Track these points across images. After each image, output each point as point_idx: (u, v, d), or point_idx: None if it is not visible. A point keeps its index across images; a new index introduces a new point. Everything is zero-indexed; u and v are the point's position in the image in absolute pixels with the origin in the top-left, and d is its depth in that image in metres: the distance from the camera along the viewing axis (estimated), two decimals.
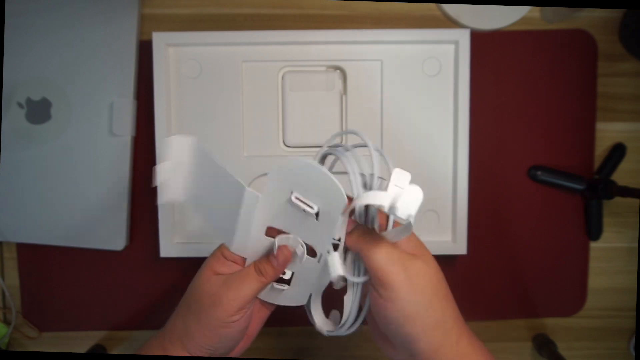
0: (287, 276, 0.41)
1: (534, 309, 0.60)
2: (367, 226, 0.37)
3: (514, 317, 0.60)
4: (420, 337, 0.35)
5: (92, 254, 0.58)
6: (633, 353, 0.60)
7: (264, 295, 0.42)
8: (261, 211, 0.38)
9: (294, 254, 0.39)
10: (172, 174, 0.38)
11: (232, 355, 0.41)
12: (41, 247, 0.58)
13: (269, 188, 0.38)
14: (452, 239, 0.55)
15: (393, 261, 0.34)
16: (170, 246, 0.54)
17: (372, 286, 0.36)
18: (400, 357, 0.38)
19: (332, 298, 0.42)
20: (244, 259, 0.40)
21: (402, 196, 0.33)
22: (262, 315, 0.43)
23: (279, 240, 0.39)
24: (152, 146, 0.54)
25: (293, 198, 0.37)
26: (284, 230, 0.39)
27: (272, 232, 0.39)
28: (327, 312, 0.43)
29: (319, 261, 0.39)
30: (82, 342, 0.60)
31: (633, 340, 0.60)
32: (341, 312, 0.40)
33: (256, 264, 0.39)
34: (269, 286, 0.41)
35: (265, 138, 0.55)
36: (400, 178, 0.34)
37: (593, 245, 0.60)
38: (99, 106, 0.55)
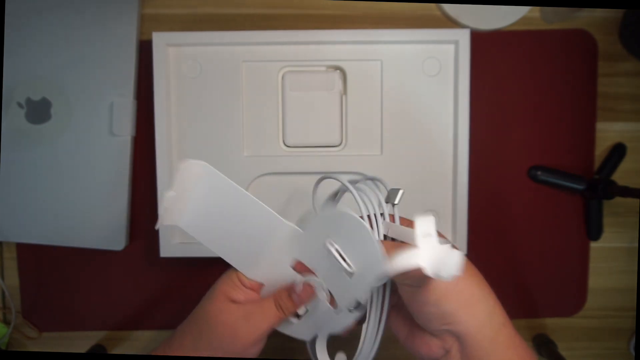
0: (301, 312, 0.41)
1: (534, 309, 0.60)
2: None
3: (514, 317, 0.60)
4: (461, 311, 0.34)
5: (92, 254, 0.58)
6: (633, 353, 0.60)
7: None
8: (297, 246, 0.38)
9: (315, 297, 0.39)
10: (179, 202, 0.37)
11: None
12: (41, 247, 0.58)
13: (311, 227, 0.37)
14: (452, 239, 0.55)
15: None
16: (170, 246, 0.54)
17: (402, 284, 0.35)
18: (434, 352, 0.36)
19: (338, 339, 0.42)
20: (260, 285, 0.39)
21: (440, 255, 0.31)
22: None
23: (306, 279, 0.38)
24: (152, 146, 0.54)
25: (333, 250, 0.36)
26: (311, 269, 0.39)
27: (299, 266, 0.39)
28: (331, 354, 0.43)
29: (337, 314, 0.39)
30: (82, 342, 0.60)
31: (633, 340, 0.60)
32: (348, 354, 0.39)
33: (277, 299, 0.38)
34: None
35: (265, 138, 0.55)
36: (425, 225, 0.32)
37: (593, 245, 0.60)
38: (99, 106, 0.55)
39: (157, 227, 0.36)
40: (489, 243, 0.59)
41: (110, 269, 0.59)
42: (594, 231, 0.59)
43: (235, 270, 0.39)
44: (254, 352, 0.38)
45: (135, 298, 0.60)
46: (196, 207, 0.38)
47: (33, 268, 0.59)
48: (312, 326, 0.41)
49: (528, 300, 0.60)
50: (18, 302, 0.60)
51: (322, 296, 0.39)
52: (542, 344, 0.59)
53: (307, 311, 0.41)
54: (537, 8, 0.57)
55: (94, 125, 0.56)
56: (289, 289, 0.38)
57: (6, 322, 0.60)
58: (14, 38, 0.55)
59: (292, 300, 0.38)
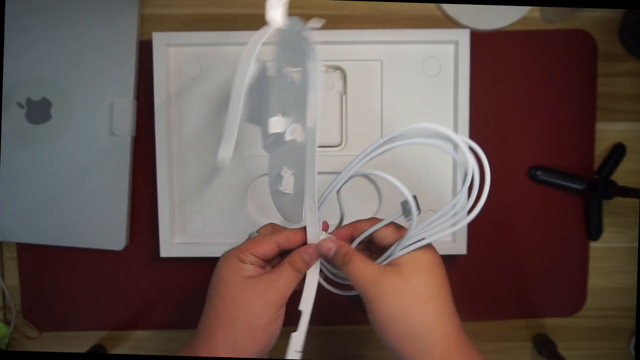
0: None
1: (534, 309, 0.60)
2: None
3: (514, 317, 0.60)
4: (397, 346, 0.35)
5: (92, 254, 0.58)
6: (633, 353, 0.60)
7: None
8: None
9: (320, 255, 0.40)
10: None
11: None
12: (41, 247, 0.58)
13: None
14: (452, 239, 0.55)
15: (368, 284, 0.36)
16: (170, 246, 0.54)
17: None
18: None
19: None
20: (261, 260, 0.40)
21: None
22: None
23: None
24: (152, 146, 0.54)
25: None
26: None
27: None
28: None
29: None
30: (82, 342, 0.60)
31: (633, 340, 0.60)
32: None
33: (292, 263, 0.39)
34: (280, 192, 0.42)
35: None
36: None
37: (593, 245, 0.60)
38: (99, 106, 0.55)
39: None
40: (489, 243, 0.59)
41: (110, 269, 0.59)
42: (594, 231, 0.59)
43: (231, 252, 0.40)
44: (282, 312, 0.39)
45: (135, 298, 0.60)
46: None
47: (33, 268, 0.59)
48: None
49: (528, 300, 0.60)
50: (18, 302, 0.60)
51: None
52: (542, 344, 0.59)
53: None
54: (537, 8, 0.57)
55: (94, 125, 0.56)
56: (300, 252, 0.39)
57: (6, 322, 0.60)
58: (14, 38, 0.55)
59: (304, 261, 0.39)
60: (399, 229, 0.39)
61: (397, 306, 0.35)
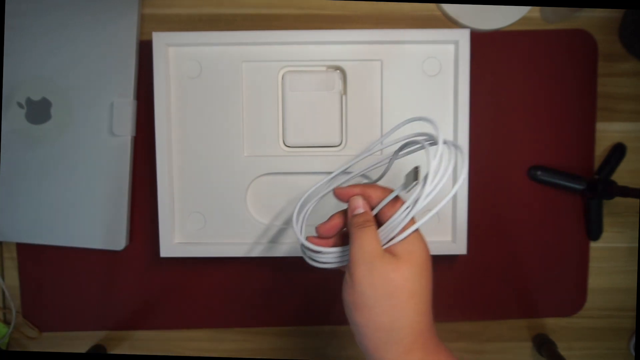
0: None
1: (534, 309, 0.60)
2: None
3: (514, 317, 0.60)
4: (363, 330, 0.36)
5: (92, 254, 0.58)
6: (633, 353, 0.60)
7: None
8: None
9: None
10: None
11: None
12: (41, 247, 0.58)
13: None
14: (452, 239, 0.55)
15: (364, 259, 0.36)
16: (170, 246, 0.54)
17: (347, 268, 0.37)
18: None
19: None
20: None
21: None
22: None
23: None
24: (152, 146, 0.54)
25: None
26: None
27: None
28: None
29: None
30: (82, 342, 0.60)
31: (633, 340, 0.60)
32: None
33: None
34: None
35: (265, 138, 0.55)
36: None
37: (593, 245, 0.60)
38: (99, 106, 0.55)
39: None
40: (489, 243, 0.59)
41: (110, 269, 0.59)
42: (594, 231, 0.59)
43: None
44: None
45: (135, 298, 0.60)
46: None
47: (33, 268, 0.59)
48: None
49: (528, 300, 0.60)
50: (18, 302, 0.60)
51: None
52: (542, 344, 0.59)
53: None
54: (537, 8, 0.57)
55: (94, 125, 0.56)
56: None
57: (6, 322, 0.60)
58: (14, 38, 0.55)
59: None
60: (396, 202, 0.39)
61: (380, 292, 0.35)
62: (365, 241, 0.36)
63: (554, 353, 0.57)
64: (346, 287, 0.37)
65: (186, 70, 0.54)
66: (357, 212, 0.39)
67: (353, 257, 0.36)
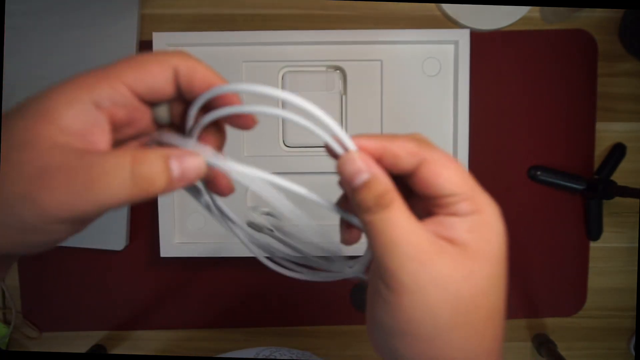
0: None
1: (534, 309, 0.60)
2: None
3: (514, 317, 0.60)
4: None
5: (92, 254, 0.58)
6: (633, 353, 0.60)
7: None
8: None
9: None
10: None
11: None
12: None
13: None
14: None
15: (404, 263, 0.21)
16: (170, 246, 0.54)
17: (375, 274, 0.23)
18: None
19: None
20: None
21: None
22: None
23: None
24: None
25: None
26: None
27: None
28: None
29: None
30: (82, 342, 0.60)
31: (633, 340, 0.60)
32: None
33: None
34: None
35: (265, 138, 0.55)
36: None
37: (593, 245, 0.60)
38: None
39: None
40: None
41: (110, 269, 0.59)
42: (594, 231, 0.59)
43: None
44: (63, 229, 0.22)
45: (135, 298, 0.60)
46: None
47: (33, 268, 0.59)
48: None
49: (528, 300, 0.60)
50: (18, 302, 0.60)
51: None
52: (542, 344, 0.59)
53: None
54: (537, 8, 0.57)
55: None
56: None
57: (6, 322, 0.60)
58: (14, 38, 0.55)
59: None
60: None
61: (445, 315, 0.21)
62: (400, 229, 0.21)
63: (553, 353, 0.57)
64: (383, 305, 0.22)
65: None
66: (357, 181, 0.22)
67: (383, 262, 0.21)
